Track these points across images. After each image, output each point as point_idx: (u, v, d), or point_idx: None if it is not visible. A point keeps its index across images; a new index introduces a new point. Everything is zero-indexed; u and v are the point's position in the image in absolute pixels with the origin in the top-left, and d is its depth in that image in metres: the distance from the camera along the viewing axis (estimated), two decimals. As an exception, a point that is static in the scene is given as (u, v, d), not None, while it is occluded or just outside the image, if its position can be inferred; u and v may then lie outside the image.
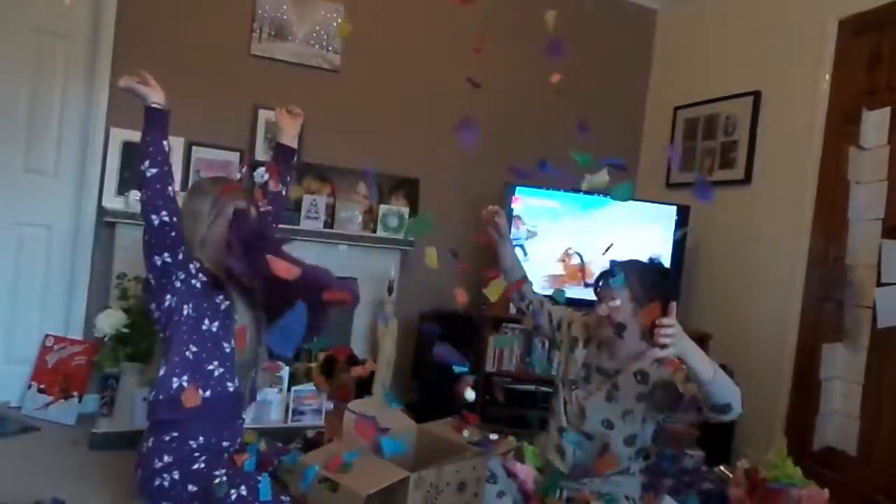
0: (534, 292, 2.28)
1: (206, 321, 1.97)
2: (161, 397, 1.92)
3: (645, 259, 2.13)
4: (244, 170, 2.92)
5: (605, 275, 2.09)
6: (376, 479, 1.72)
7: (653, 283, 2.03)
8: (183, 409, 1.90)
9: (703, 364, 1.69)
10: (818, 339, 2.94)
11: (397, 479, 1.73)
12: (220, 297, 2.01)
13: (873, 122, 2.77)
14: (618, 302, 1.99)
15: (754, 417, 3.24)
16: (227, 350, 2.02)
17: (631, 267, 2.05)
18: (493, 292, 1.84)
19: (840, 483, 2.59)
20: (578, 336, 2.19)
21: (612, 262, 2.08)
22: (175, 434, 1.91)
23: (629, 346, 2.07)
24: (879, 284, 2.65)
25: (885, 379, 2.68)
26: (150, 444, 1.92)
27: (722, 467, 2.72)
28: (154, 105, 1.90)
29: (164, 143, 1.90)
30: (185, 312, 1.94)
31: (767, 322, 3.25)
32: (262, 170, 2.78)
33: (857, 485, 2.67)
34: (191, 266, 1.96)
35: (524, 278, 2.25)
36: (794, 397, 3.07)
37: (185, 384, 1.91)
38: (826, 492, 2.24)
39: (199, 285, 1.97)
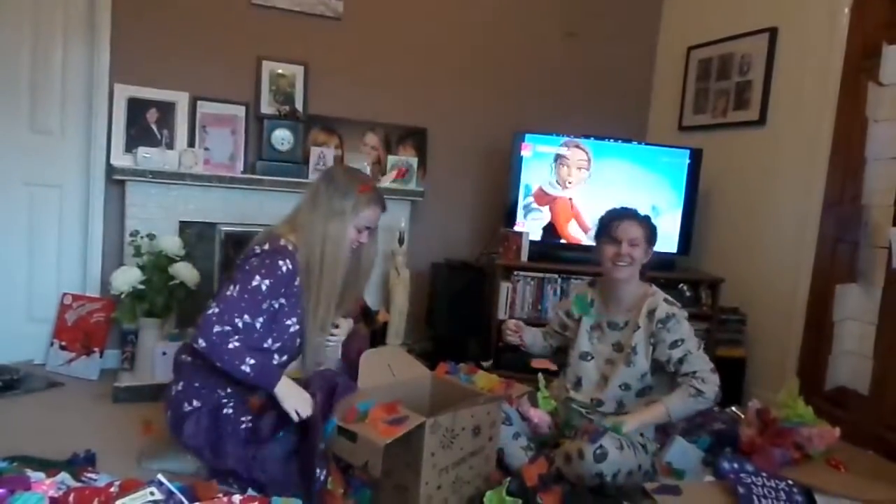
0: (543, 338, 2.47)
1: (269, 341, 1.99)
2: (199, 363, 1.94)
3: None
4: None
5: (619, 215, 2.21)
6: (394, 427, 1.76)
7: (654, 227, 2.23)
8: (218, 378, 1.94)
9: (656, 420, 2.10)
10: (832, 281, 2.93)
11: (414, 425, 1.76)
12: (293, 320, 2.01)
13: (894, 57, 2.68)
14: (637, 235, 2.15)
15: (766, 359, 3.27)
16: (276, 362, 2.03)
17: (634, 209, 2.25)
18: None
19: (851, 421, 2.61)
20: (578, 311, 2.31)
21: (619, 207, 2.28)
22: (207, 381, 1.95)
23: (632, 289, 2.20)
24: (895, 224, 2.61)
25: (899, 319, 2.67)
26: (179, 387, 1.97)
27: (734, 408, 2.76)
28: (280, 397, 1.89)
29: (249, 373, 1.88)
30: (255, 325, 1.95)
31: (781, 264, 3.24)
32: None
33: (868, 423, 2.70)
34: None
35: (546, 347, 2.48)
36: (807, 338, 3.08)
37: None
38: (837, 430, 2.27)
39: (276, 306, 1.97)
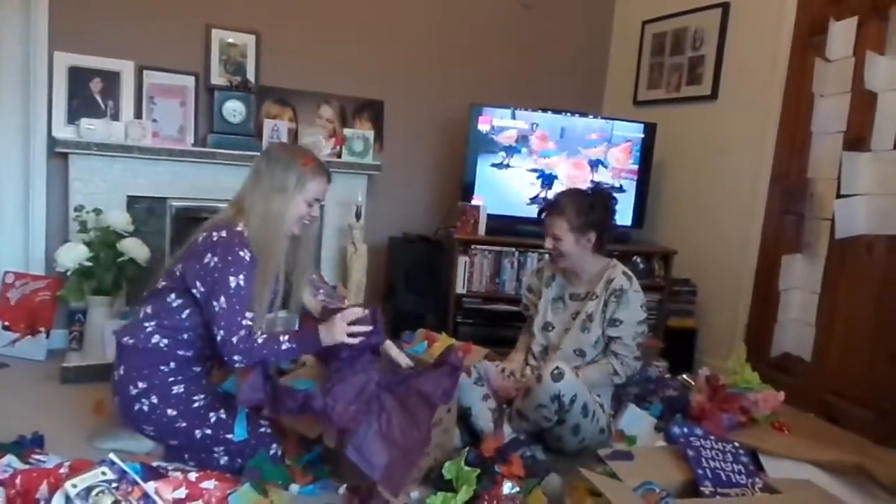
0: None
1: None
2: (140, 347, 1.91)
3: (586, 188, 2.35)
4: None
5: (543, 209, 2.26)
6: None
7: (588, 209, 2.17)
8: (159, 357, 1.91)
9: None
10: (778, 252, 3.02)
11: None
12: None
13: (839, 33, 2.75)
14: (559, 230, 2.18)
15: (716, 328, 3.37)
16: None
17: (568, 196, 2.24)
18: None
19: (795, 386, 2.72)
20: (541, 283, 2.38)
21: (556, 195, 2.33)
22: (147, 360, 1.91)
23: (589, 266, 2.27)
24: (839, 196, 2.70)
25: (840, 288, 2.78)
26: (121, 371, 1.92)
27: (685, 375, 2.84)
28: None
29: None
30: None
31: (730, 236, 3.32)
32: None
33: (810, 387, 2.81)
34: None
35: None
36: (754, 308, 3.18)
37: (163, 346, 1.92)
38: (782, 394, 2.37)
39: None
